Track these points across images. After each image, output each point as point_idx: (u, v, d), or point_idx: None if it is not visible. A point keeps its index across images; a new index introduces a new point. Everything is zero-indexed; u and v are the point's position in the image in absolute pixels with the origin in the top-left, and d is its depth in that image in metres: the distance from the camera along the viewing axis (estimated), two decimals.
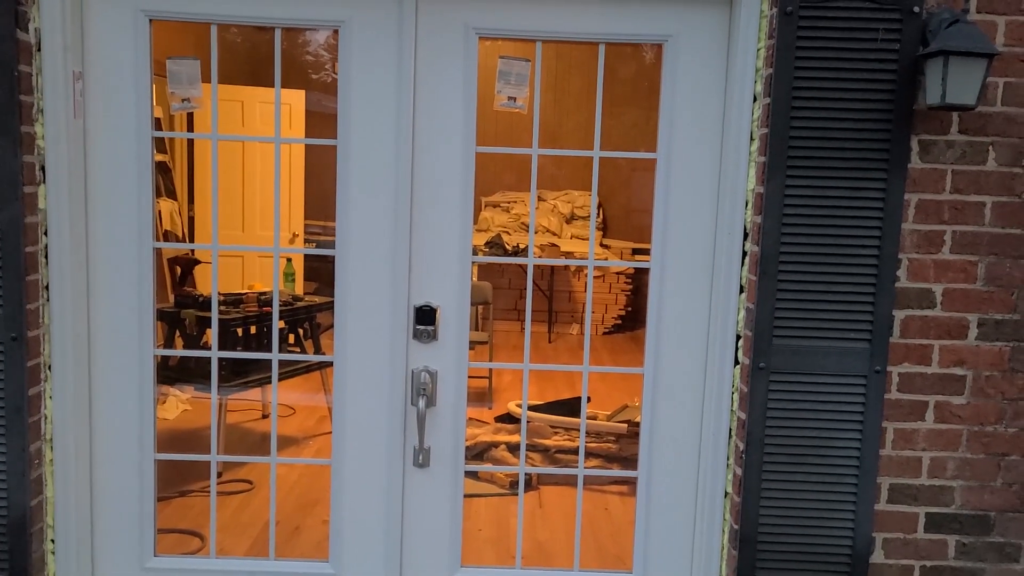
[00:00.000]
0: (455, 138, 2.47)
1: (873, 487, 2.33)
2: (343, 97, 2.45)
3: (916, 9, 2.18)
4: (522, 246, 8.26)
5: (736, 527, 2.39)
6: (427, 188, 2.48)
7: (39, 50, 2.29)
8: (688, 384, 2.54)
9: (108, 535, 2.61)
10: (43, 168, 2.34)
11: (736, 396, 2.44)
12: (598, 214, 9.26)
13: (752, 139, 2.36)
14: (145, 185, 2.45)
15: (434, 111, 2.46)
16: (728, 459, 2.48)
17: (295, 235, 7.23)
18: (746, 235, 2.40)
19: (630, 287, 8.79)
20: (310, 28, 2.46)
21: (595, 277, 8.67)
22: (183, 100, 2.48)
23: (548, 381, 6.42)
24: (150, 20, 2.40)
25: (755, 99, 2.35)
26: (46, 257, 2.38)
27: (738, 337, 2.43)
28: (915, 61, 2.19)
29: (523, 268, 8.54)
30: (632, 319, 8.84)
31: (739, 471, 2.39)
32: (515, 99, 2.52)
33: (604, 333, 8.70)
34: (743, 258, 2.40)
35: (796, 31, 2.20)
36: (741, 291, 2.42)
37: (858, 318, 2.29)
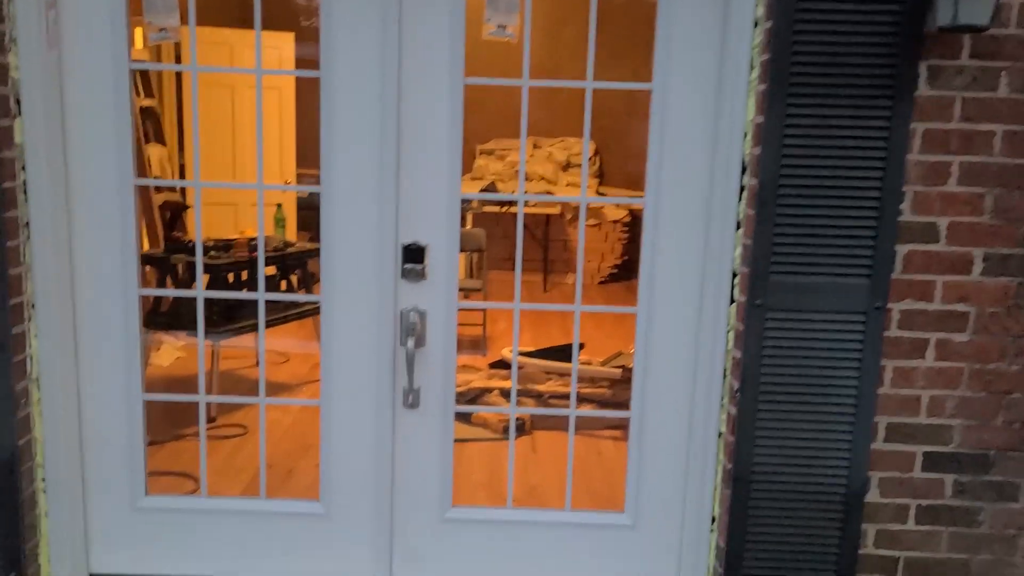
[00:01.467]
0: (443, 70, 2.38)
1: (870, 426, 2.30)
2: (325, 26, 2.36)
3: None
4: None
5: (729, 466, 2.36)
6: (414, 123, 2.40)
7: None
8: (682, 322, 2.49)
9: (99, 474, 2.58)
10: (18, 101, 2.25)
11: (731, 335, 2.39)
12: (594, 161, 9.15)
13: (752, 67, 2.28)
14: (123, 118, 2.37)
15: (420, 42, 2.36)
16: (722, 398, 2.44)
17: (287, 182, 7.13)
18: (744, 169, 2.33)
19: (627, 235, 8.72)
20: None
21: (591, 225, 8.59)
22: (160, 30, 2.38)
23: (543, 329, 6.39)
24: None
25: (756, 24, 2.26)
26: (25, 193, 2.31)
27: (734, 274, 2.38)
28: None
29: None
30: (628, 268, 8.78)
31: (733, 410, 2.35)
32: (505, 27, 2.42)
33: (600, 283, 8.65)
34: (740, 192, 2.34)
35: None
36: (738, 227, 2.36)
37: (859, 253, 2.23)
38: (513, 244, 8.51)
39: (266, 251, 4.52)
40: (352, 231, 2.46)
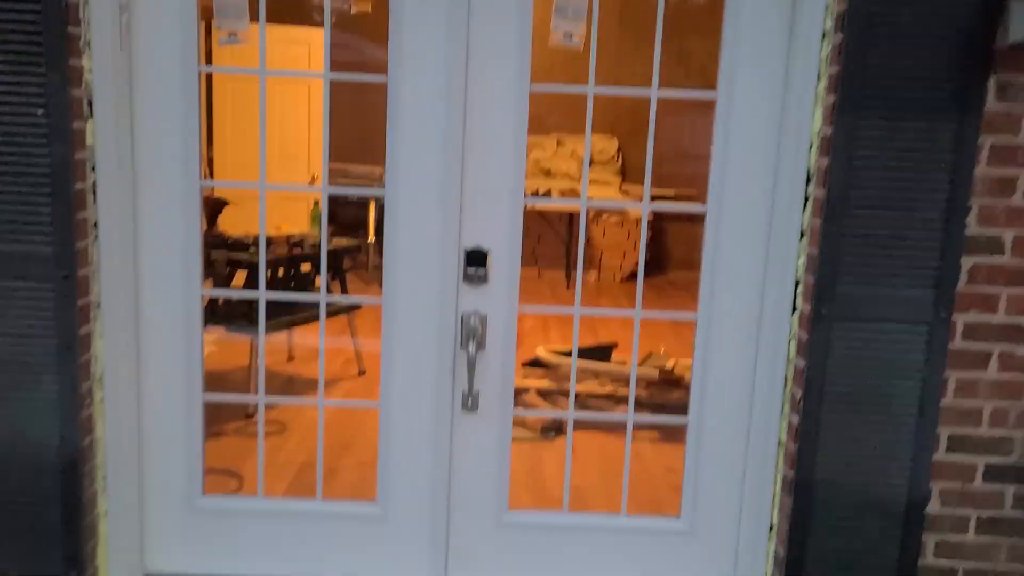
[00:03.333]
0: (509, 77, 2.39)
1: (932, 437, 2.31)
2: (394, 34, 2.37)
3: None
4: (541, 191, 8.16)
5: (791, 474, 2.37)
6: (479, 129, 2.42)
7: None
8: (741, 329, 2.50)
9: (157, 474, 2.60)
10: (91, 103, 2.27)
11: (793, 343, 2.40)
12: (617, 158, 9.14)
13: (819, 78, 2.29)
14: (192, 121, 2.39)
15: (487, 49, 2.37)
16: (783, 406, 2.45)
17: (314, 177, 7.15)
18: (809, 179, 2.33)
19: (649, 233, 8.72)
20: None
21: (613, 223, 8.59)
22: (229, 34, 2.40)
23: (570, 327, 6.40)
24: None
25: (824, 36, 2.27)
26: (94, 194, 2.33)
27: (797, 283, 2.39)
28: None
29: (541, 214, 8.46)
30: (651, 265, 8.78)
31: (795, 419, 2.36)
32: (572, 35, 2.43)
33: (623, 280, 8.66)
34: (805, 202, 2.35)
35: None
36: (802, 236, 2.37)
37: (924, 265, 2.24)
38: (534, 240, 8.50)
39: (304, 248, 4.54)
40: (415, 235, 2.47)
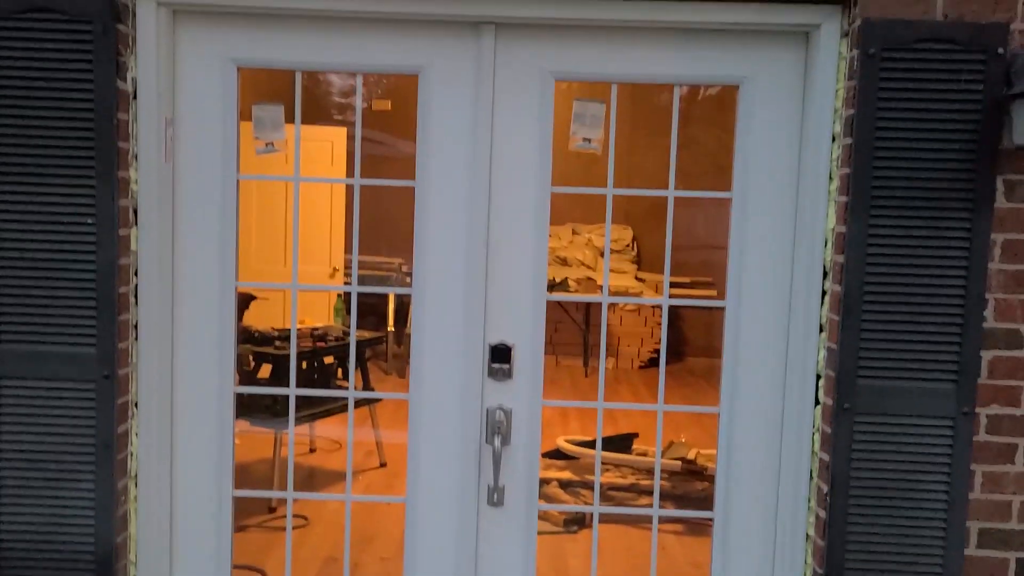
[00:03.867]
0: (530, 179, 2.50)
1: (962, 531, 2.31)
2: (421, 139, 2.49)
3: (1000, 51, 2.19)
4: (557, 280, 8.27)
5: (820, 571, 2.36)
6: (502, 228, 2.51)
7: (135, 98, 2.36)
8: (764, 423, 2.53)
9: (186, 570, 2.62)
10: (135, 211, 2.39)
11: (817, 437, 2.43)
12: (632, 246, 9.27)
13: (831, 179, 2.38)
14: (229, 226, 2.50)
15: (510, 154, 2.49)
16: (809, 500, 2.46)
17: (335, 270, 7.29)
18: (825, 274, 2.40)
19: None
20: (391, 73, 2.51)
21: (630, 311, 8.66)
22: (267, 144, 2.53)
23: (590, 417, 6.40)
24: (238, 68, 2.46)
25: (834, 139, 2.37)
26: (136, 297, 2.43)
27: (818, 377, 2.43)
28: (1000, 101, 2.20)
29: (558, 302, 8.54)
30: (670, 352, 8.80)
31: (822, 513, 2.37)
32: (590, 140, 2.55)
33: (640, 367, 8.68)
34: (823, 297, 2.41)
35: (879, 72, 2.22)
36: (820, 330, 2.42)
37: (944, 359, 2.28)
38: (552, 328, 8.57)
39: (328, 341, 4.62)
40: (441, 331, 2.55)
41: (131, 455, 2.47)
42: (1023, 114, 2.10)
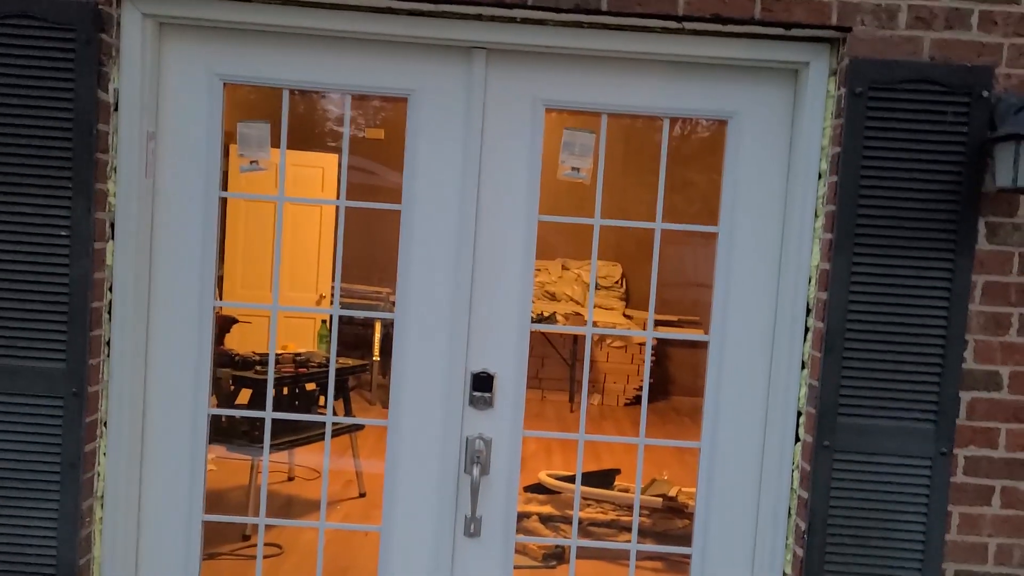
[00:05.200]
0: (518, 207, 2.49)
1: (938, 572, 2.28)
2: (409, 162, 2.48)
3: (985, 94, 2.21)
4: (546, 314, 8.25)
5: None
6: (488, 256, 2.50)
7: (116, 110, 2.34)
8: (744, 459, 2.50)
9: None
10: (112, 225, 2.37)
11: (797, 474, 2.40)
12: (621, 283, 9.27)
13: (817, 215, 2.38)
14: (209, 245, 2.48)
15: (498, 179, 2.48)
16: (787, 538, 2.42)
17: (321, 296, 7.26)
18: (808, 311, 2.39)
19: (653, 358, 8.75)
20: (380, 95, 2.51)
21: (617, 347, 8.64)
22: (251, 162, 2.51)
23: (573, 452, 6.34)
24: (224, 84, 2.45)
25: (820, 176, 2.37)
26: (109, 313, 2.39)
27: (799, 414, 2.41)
28: (983, 144, 2.21)
29: (545, 336, 8.52)
30: (655, 390, 8.78)
31: (799, 551, 2.34)
32: (579, 169, 2.55)
33: (626, 404, 8.63)
34: (805, 334, 2.39)
35: (865, 111, 2.23)
36: (803, 367, 2.40)
37: (924, 399, 2.27)
38: (538, 361, 8.53)
39: (310, 367, 4.57)
40: (423, 356, 2.52)
41: (98, 475, 2.42)
42: (1006, 157, 2.11)
